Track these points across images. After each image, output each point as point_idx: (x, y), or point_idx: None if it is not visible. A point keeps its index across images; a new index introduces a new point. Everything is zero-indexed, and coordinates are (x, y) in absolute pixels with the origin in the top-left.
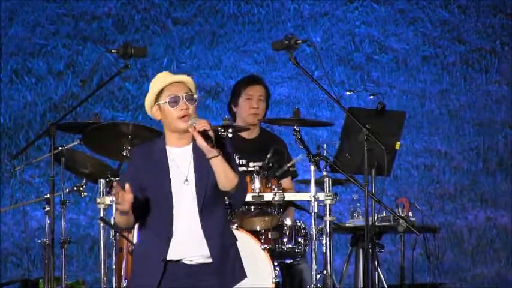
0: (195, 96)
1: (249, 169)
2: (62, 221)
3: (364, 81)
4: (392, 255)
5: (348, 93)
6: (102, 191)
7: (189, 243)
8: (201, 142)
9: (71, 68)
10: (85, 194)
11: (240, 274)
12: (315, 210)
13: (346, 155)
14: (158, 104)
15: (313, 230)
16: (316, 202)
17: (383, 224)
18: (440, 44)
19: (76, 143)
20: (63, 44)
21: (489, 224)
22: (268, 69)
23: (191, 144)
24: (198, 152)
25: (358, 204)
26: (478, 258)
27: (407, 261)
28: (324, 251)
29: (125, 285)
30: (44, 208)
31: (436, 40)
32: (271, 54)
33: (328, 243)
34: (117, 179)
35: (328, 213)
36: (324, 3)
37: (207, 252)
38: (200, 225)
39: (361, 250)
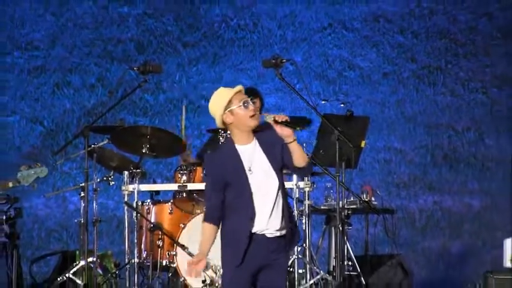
0: (254, 99)
1: None
2: (94, 204)
3: (336, 92)
4: (358, 232)
5: (323, 102)
6: (126, 180)
7: (268, 220)
8: (283, 130)
9: (101, 82)
10: (112, 182)
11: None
12: (297, 196)
13: (321, 151)
14: (230, 110)
15: (295, 211)
16: (297, 189)
17: (351, 206)
18: (397, 63)
19: (105, 141)
20: (94, 62)
21: (436, 206)
22: (259, 82)
23: (254, 142)
24: (264, 145)
25: (331, 191)
26: (427, 234)
27: (370, 236)
28: (304, 228)
29: (144, 255)
30: (80, 194)
31: (394, 59)
32: (261, 71)
33: (307, 222)
34: (138, 170)
35: (307, 198)
36: (303, 30)
37: (281, 225)
38: (274, 204)
39: (333, 228)
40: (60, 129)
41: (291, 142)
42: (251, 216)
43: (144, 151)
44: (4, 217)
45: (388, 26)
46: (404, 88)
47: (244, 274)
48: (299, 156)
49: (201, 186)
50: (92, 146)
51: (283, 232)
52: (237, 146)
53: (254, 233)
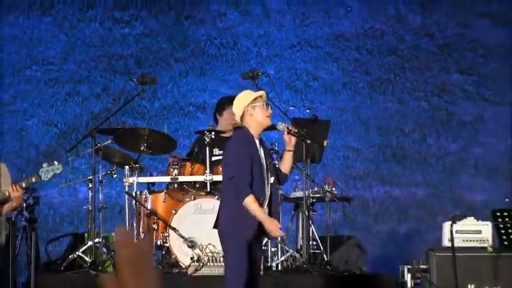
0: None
1: None
2: (100, 194)
3: (303, 100)
4: (321, 217)
5: (292, 108)
6: (127, 174)
7: (266, 205)
8: (291, 140)
9: (106, 91)
10: (115, 175)
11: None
12: None
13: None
14: (252, 106)
15: None
16: None
17: (315, 195)
18: (354, 75)
19: (109, 141)
20: (100, 75)
21: (386, 195)
22: (238, 92)
23: (258, 141)
24: (264, 148)
25: (299, 182)
26: (379, 219)
27: (332, 221)
28: None
29: (142, 236)
30: (88, 185)
31: (351, 72)
32: (241, 82)
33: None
34: (136, 165)
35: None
36: (275, 47)
37: (269, 211)
38: (270, 192)
39: (300, 213)
40: (71, 131)
41: (291, 151)
42: (264, 198)
43: (142, 149)
44: (24, 205)
45: (346, 44)
46: (360, 96)
47: (250, 247)
48: (289, 165)
49: (190, 178)
50: (98, 145)
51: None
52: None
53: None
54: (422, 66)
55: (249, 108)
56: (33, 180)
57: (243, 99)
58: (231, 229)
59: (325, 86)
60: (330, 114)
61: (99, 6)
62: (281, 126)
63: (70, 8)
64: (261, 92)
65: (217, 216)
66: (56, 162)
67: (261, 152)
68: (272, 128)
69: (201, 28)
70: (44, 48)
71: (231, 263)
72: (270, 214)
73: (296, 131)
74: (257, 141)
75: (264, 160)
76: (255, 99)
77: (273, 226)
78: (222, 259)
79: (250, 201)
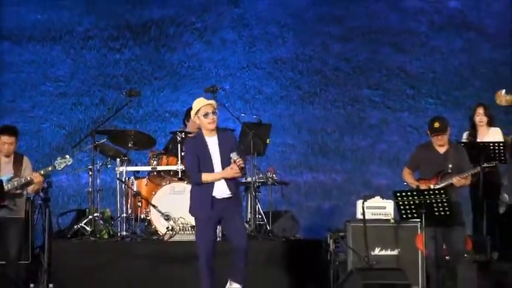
0: (217, 111)
1: None
2: (98, 179)
3: (251, 108)
4: (265, 196)
5: (242, 114)
6: (118, 164)
7: (221, 187)
8: (235, 172)
9: (102, 102)
10: (109, 165)
11: (240, 200)
12: None
13: (242, 146)
14: (198, 117)
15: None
16: None
17: (260, 180)
18: (289, 90)
19: (105, 140)
20: (98, 90)
21: (313, 180)
22: None
23: (215, 136)
24: (221, 141)
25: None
26: (308, 198)
27: (273, 199)
28: None
29: (129, 212)
30: (89, 173)
31: (287, 87)
32: (204, 95)
33: None
34: (125, 158)
35: None
36: (230, 68)
37: (229, 191)
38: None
39: (249, 194)
40: (76, 132)
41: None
42: (212, 184)
43: (129, 146)
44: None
45: (283, 66)
46: (294, 106)
47: (209, 222)
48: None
49: (166, 168)
50: (96, 142)
51: (230, 195)
52: (206, 137)
53: (213, 196)
54: (340, 83)
55: (196, 119)
56: (50, 169)
57: (193, 109)
58: (191, 211)
59: (268, 98)
60: (271, 119)
61: (97, 38)
62: (234, 157)
63: (75, 39)
64: (206, 102)
65: None
66: (67, 156)
67: (212, 147)
68: (225, 130)
69: (174, 54)
70: (55, 69)
71: (196, 237)
72: (227, 193)
73: (242, 165)
74: (209, 139)
75: (218, 153)
76: (198, 110)
77: (230, 172)
78: (190, 229)
79: (204, 177)
